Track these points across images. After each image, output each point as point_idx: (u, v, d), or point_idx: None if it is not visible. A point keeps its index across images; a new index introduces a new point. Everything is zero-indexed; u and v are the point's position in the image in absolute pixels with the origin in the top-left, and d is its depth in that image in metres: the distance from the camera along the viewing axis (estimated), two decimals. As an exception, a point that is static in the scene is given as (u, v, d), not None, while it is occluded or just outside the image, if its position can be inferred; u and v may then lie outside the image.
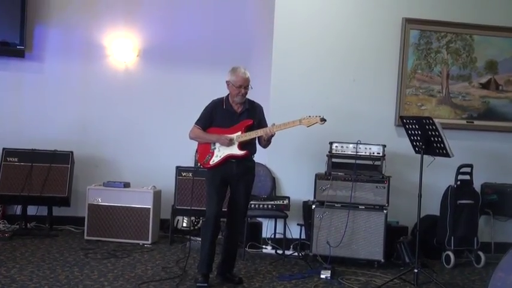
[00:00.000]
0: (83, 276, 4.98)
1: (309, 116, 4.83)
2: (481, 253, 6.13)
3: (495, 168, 6.80)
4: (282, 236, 6.20)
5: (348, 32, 6.66)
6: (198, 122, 4.98)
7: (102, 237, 6.36)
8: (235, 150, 4.86)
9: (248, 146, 4.92)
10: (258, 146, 5.09)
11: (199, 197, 6.20)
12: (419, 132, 5.34)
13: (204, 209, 5.02)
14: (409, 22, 6.65)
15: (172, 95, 7.26)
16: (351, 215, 5.83)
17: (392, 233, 6.05)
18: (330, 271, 5.36)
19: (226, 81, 4.92)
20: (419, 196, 5.32)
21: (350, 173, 5.94)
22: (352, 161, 5.97)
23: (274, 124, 4.87)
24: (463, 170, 6.13)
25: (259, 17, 7.25)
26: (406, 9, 6.67)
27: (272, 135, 4.85)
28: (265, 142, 4.93)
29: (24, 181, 6.57)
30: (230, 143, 4.84)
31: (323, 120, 4.81)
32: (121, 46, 7.18)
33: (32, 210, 6.82)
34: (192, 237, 6.15)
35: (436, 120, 5.18)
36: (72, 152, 6.76)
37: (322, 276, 5.33)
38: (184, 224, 6.90)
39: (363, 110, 6.64)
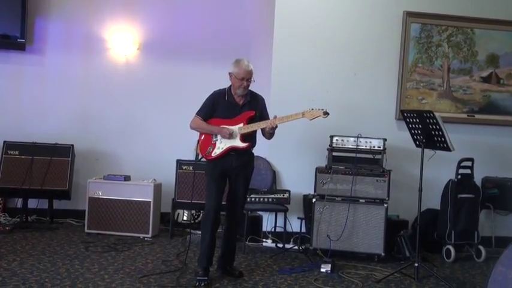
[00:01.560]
0: (83, 269, 4.99)
1: (312, 109, 4.82)
2: (481, 247, 6.12)
3: (496, 162, 6.80)
4: (282, 230, 6.21)
5: (349, 25, 6.65)
6: (199, 112, 4.97)
7: (103, 231, 6.36)
8: (237, 142, 4.85)
9: (250, 138, 4.91)
10: (258, 138, 5.09)
11: (200, 191, 6.20)
12: (420, 126, 5.34)
13: (204, 202, 5.01)
14: (410, 15, 6.63)
15: (172, 88, 7.26)
16: (351, 208, 5.83)
17: (393, 226, 6.06)
18: (330, 265, 5.36)
19: (229, 73, 4.91)
20: (420, 190, 5.32)
21: (350, 166, 5.94)
22: (353, 154, 5.96)
23: (276, 116, 4.86)
24: (463, 164, 6.13)
25: (260, 10, 7.23)
26: (406, 2, 6.66)
27: (275, 127, 4.84)
28: (269, 134, 4.93)
29: (24, 174, 6.57)
30: (232, 135, 4.83)
31: (326, 113, 4.79)
32: (121, 39, 7.16)
33: (32, 203, 6.83)
34: (192, 231, 6.16)
35: (436, 114, 5.17)
36: (72, 145, 6.76)
37: (323, 269, 5.34)
38: (185, 218, 6.90)
39: (364, 104, 6.63)
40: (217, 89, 5.02)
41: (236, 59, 4.91)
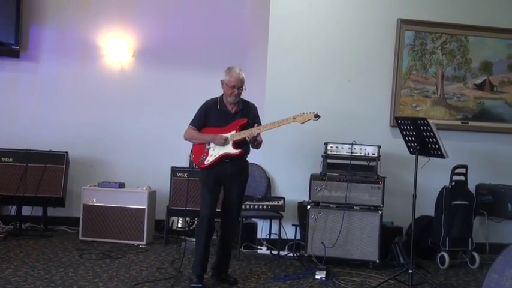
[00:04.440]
0: (77, 276, 4.98)
1: (303, 113, 4.83)
2: (475, 254, 6.14)
3: (490, 169, 6.82)
4: (277, 237, 6.21)
5: (343, 32, 6.67)
6: (192, 123, 4.98)
7: (97, 238, 6.35)
8: (230, 149, 4.86)
9: (243, 145, 4.91)
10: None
11: (194, 198, 6.19)
12: (414, 133, 5.35)
13: (199, 209, 5.01)
14: (404, 23, 6.66)
15: (167, 96, 7.25)
16: (345, 215, 5.84)
17: (387, 233, 6.06)
18: (324, 272, 5.36)
19: (221, 81, 4.93)
20: (414, 197, 5.32)
21: (345, 173, 5.94)
22: (347, 161, 5.97)
23: (256, 125, 4.88)
24: (457, 170, 6.14)
25: (255, 18, 7.24)
26: (401, 10, 6.69)
27: (255, 136, 4.81)
28: (252, 144, 4.90)
29: (18, 181, 6.55)
30: (225, 142, 4.84)
31: (317, 116, 4.80)
32: (116, 46, 7.17)
33: (26, 210, 6.78)
34: (187, 238, 6.15)
35: (430, 121, 5.19)
36: (67, 152, 6.75)
37: (317, 277, 5.33)
38: (179, 225, 6.90)
39: (358, 111, 6.65)
40: (210, 98, 5.03)
41: (228, 67, 4.93)
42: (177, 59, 7.29)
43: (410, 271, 5.20)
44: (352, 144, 5.99)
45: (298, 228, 6.28)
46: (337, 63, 6.67)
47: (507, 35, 6.88)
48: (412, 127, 5.36)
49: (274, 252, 6.21)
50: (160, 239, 6.56)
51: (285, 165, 6.58)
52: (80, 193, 6.46)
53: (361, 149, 6.01)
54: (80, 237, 6.37)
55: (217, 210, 4.97)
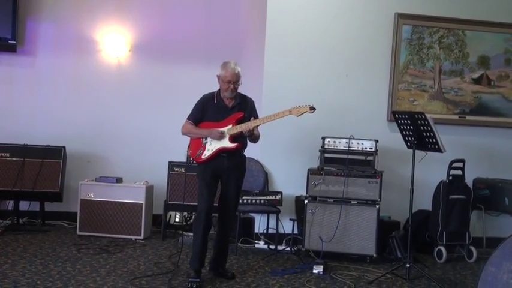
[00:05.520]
0: (75, 271, 4.98)
1: (299, 106, 4.83)
2: (472, 248, 6.15)
3: (487, 163, 6.83)
4: (274, 231, 6.22)
5: (341, 27, 6.67)
6: (189, 117, 4.98)
7: (95, 233, 6.34)
8: (226, 143, 4.86)
9: (240, 139, 4.91)
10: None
11: (192, 192, 6.19)
12: (412, 127, 5.35)
13: (197, 204, 5.01)
14: (401, 17, 6.66)
15: (164, 90, 7.24)
16: (343, 210, 5.84)
17: (385, 228, 6.08)
18: (322, 266, 5.37)
19: (217, 76, 4.92)
20: (412, 191, 5.33)
21: (342, 168, 5.95)
22: (345, 156, 5.98)
23: (253, 119, 4.88)
24: (455, 165, 6.15)
25: (252, 11, 7.23)
26: (398, 4, 6.69)
27: (251, 130, 4.82)
28: (249, 138, 4.91)
29: (16, 176, 6.54)
30: (222, 136, 4.84)
31: (312, 109, 4.81)
32: (113, 41, 7.14)
33: (24, 205, 6.79)
34: (184, 233, 6.15)
35: (428, 116, 5.19)
36: (64, 147, 6.74)
37: (315, 271, 5.34)
38: (177, 219, 6.91)
39: (356, 105, 6.65)
40: (207, 92, 5.03)
41: (223, 62, 4.92)
42: (174, 53, 7.26)
43: (408, 265, 5.22)
44: (349, 138, 5.99)
45: (295, 222, 6.28)
46: (335, 57, 6.67)
47: (504, 29, 6.88)
48: (409, 121, 5.37)
49: (272, 247, 6.21)
50: (158, 233, 6.56)
51: (282, 160, 6.59)
52: (78, 188, 6.45)
53: (358, 143, 6.01)
54: (78, 232, 6.37)
55: (214, 204, 4.97)
